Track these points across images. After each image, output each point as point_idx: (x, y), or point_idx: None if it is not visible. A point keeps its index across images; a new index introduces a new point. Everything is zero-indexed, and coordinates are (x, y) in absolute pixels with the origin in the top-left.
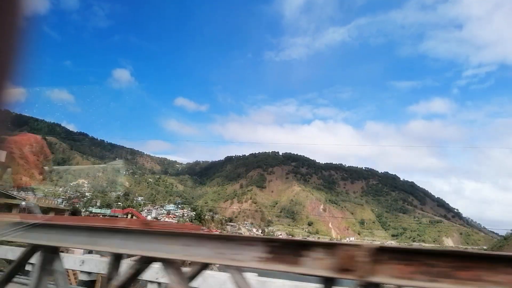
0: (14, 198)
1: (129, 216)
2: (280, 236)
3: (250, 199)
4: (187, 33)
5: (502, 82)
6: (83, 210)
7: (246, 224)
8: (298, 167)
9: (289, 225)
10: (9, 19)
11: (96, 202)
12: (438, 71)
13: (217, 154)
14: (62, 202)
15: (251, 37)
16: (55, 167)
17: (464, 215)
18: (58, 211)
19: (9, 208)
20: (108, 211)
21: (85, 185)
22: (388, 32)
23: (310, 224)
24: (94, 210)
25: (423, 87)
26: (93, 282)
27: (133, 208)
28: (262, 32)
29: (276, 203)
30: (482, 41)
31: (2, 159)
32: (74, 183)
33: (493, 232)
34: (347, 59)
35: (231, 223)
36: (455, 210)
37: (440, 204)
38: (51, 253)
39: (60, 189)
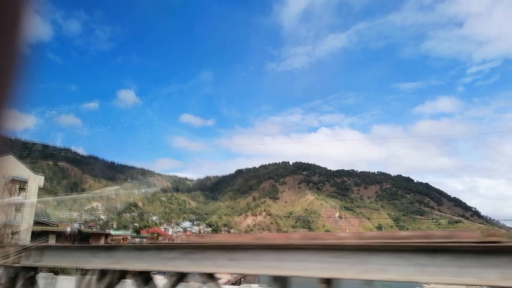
0: (48, 225)
1: (156, 235)
2: None
3: (264, 211)
4: (188, 49)
5: (508, 77)
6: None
7: None
8: (310, 175)
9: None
10: (11, 47)
11: (113, 224)
12: (442, 70)
13: (226, 168)
14: (80, 226)
15: (252, 49)
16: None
17: (482, 213)
18: (95, 235)
19: (46, 234)
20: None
21: (99, 208)
22: (388, 35)
23: (327, 232)
24: (116, 232)
25: (428, 87)
26: None
27: (150, 227)
28: (262, 44)
29: (291, 214)
30: (484, 37)
31: (41, 184)
32: (88, 207)
33: None
34: (349, 65)
35: None
36: (473, 209)
37: (457, 203)
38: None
39: (75, 214)
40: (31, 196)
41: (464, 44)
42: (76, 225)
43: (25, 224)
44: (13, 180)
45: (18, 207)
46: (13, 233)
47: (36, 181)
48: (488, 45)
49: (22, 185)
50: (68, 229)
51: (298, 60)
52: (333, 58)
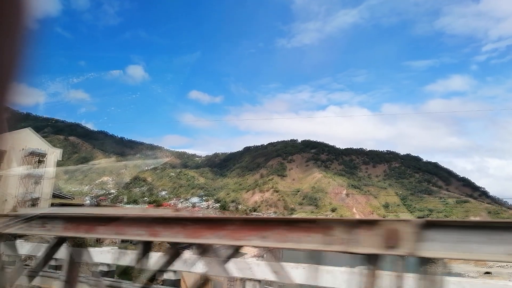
0: (65, 198)
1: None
2: None
3: (272, 188)
4: (197, 25)
5: None
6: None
7: (270, 213)
8: (318, 153)
9: (312, 212)
10: (20, 22)
11: (123, 198)
12: (456, 48)
13: (234, 145)
14: (92, 200)
15: (262, 25)
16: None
17: (490, 193)
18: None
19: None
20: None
21: (110, 182)
22: (402, 11)
23: (333, 210)
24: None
25: (441, 65)
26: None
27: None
28: (272, 19)
29: (298, 191)
30: (501, 14)
31: (59, 157)
32: (98, 181)
33: None
34: (360, 42)
35: (255, 213)
36: (481, 189)
37: (466, 183)
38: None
39: (86, 188)
40: (50, 168)
41: (480, 21)
42: (88, 199)
43: (46, 196)
44: (32, 153)
45: (38, 179)
46: (33, 205)
47: (54, 154)
48: (505, 21)
49: (41, 158)
50: (88, 202)
51: (308, 37)
52: (344, 35)
